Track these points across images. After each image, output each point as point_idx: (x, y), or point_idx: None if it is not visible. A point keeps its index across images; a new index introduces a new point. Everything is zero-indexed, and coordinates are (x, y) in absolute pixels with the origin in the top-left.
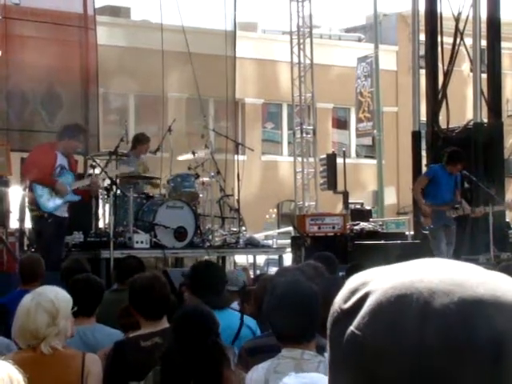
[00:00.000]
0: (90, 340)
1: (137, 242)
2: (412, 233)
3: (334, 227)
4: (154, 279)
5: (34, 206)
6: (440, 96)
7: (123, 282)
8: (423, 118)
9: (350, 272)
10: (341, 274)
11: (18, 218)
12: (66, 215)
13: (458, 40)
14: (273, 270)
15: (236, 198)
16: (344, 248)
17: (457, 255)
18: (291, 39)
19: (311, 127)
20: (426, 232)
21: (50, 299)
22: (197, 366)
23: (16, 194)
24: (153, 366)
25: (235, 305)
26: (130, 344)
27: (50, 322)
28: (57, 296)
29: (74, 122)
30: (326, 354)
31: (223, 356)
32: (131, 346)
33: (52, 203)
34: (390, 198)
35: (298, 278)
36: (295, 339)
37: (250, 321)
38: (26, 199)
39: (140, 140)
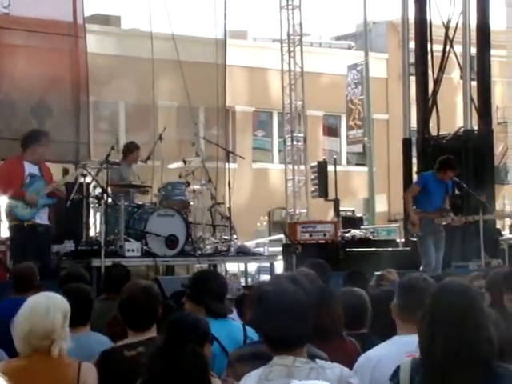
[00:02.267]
0: (85, 348)
1: (128, 251)
2: (403, 240)
3: (325, 235)
4: (142, 290)
5: (12, 217)
6: (430, 103)
7: (109, 291)
8: (414, 125)
9: (348, 279)
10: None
11: (8, 227)
12: (47, 223)
13: (448, 47)
14: (264, 278)
15: (227, 205)
16: (335, 255)
17: (448, 262)
18: (281, 47)
19: (302, 135)
20: (415, 239)
21: (63, 301)
22: (177, 374)
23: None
24: (135, 376)
25: (234, 314)
26: (114, 354)
27: (62, 323)
28: (64, 300)
29: (61, 129)
30: (318, 361)
31: (202, 365)
32: (115, 356)
33: (29, 211)
34: (380, 205)
35: (287, 286)
36: (286, 346)
37: (251, 332)
38: (3, 211)
39: (130, 149)
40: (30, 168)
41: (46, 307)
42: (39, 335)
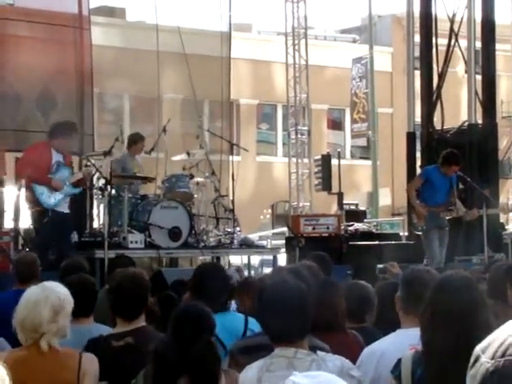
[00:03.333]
0: (87, 339)
1: (131, 242)
2: (406, 234)
3: (328, 228)
4: (130, 278)
5: (35, 203)
6: (434, 97)
7: None
8: (418, 119)
9: (358, 272)
10: (348, 272)
11: (13, 218)
12: (68, 211)
13: (453, 41)
14: (267, 271)
15: (231, 198)
16: (338, 248)
17: (451, 256)
18: (286, 40)
19: (306, 128)
20: (419, 233)
21: (57, 296)
22: (189, 363)
23: (10, 193)
24: (122, 366)
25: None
26: (101, 343)
27: (52, 318)
28: (64, 293)
29: (65, 120)
30: (319, 353)
31: (215, 354)
32: (102, 346)
33: (53, 199)
34: (384, 198)
35: (288, 278)
36: (287, 338)
37: (253, 324)
38: (25, 198)
39: (135, 140)
40: (56, 156)
41: (34, 301)
42: (28, 328)
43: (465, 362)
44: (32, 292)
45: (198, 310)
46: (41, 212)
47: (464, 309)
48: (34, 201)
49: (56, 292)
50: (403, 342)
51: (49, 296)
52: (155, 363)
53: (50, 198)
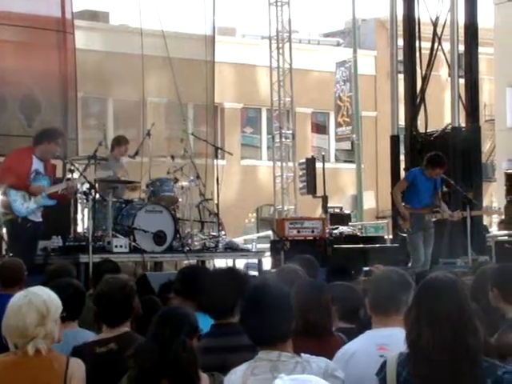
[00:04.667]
0: (71, 344)
1: (116, 247)
2: (391, 237)
3: (313, 231)
4: (117, 285)
5: (8, 210)
6: (418, 100)
7: None
8: (402, 122)
9: (332, 274)
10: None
11: None
12: (40, 220)
13: (436, 45)
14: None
15: (215, 202)
16: (323, 252)
17: (435, 258)
18: (270, 44)
19: (290, 132)
20: (404, 235)
21: (42, 299)
22: (166, 366)
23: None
24: (106, 372)
25: None
26: (85, 350)
27: (39, 321)
28: (50, 297)
29: (52, 125)
30: (303, 355)
31: (191, 357)
32: (86, 352)
33: (26, 207)
34: (369, 202)
35: (269, 281)
36: (269, 341)
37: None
38: (1, 204)
39: (118, 141)
40: (36, 164)
41: (18, 306)
42: (15, 333)
43: (451, 361)
44: (16, 297)
45: (177, 312)
46: (13, 220)
47: (450, 308)
48: (8, 207)
49: (39, 296)
50: (371, 343)
51: (32, 300)
52: (135, 367)
53: (23, 206)
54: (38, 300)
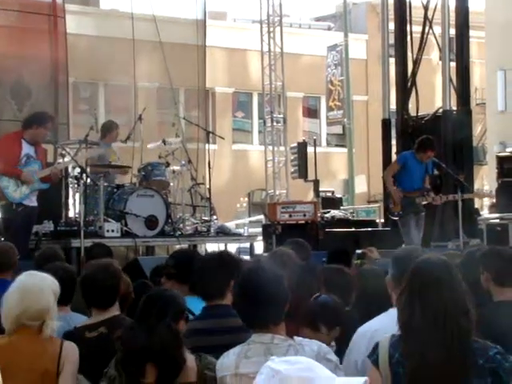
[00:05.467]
0: (65, 329)
1: (107, 231)
2: (382, 220)
3: (304, 215)
4: (101, 267)
5: (1, 195)
6: (409, 84)
7: None
8: (393, 106)
9: (332, 258)
10: (324, 259)
11: None
12: (35, 204)
13: (427, 29)
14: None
15: (207, 186)
16: (315, 235)
17: (426, 242)
18: (261, 28)
19: (281, 116)
20: (396, 218)
21: (54, 282)
22: (151, 348)
23: None
24: (96, 356)
25: None
26: (75, 335)
27: (54, 303)
28: (54, 280)
29: (43, 110)
30: (296, 338)
31: (175, 339)
32: (76, 337)
33: (19, 193)
34: (360, 186)
35: (262, 264)
36: (261, 324)
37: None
38: None
39: (109, 128)
40: (26, 148)
41: (40, 288)
42: (32, 315)
43: (442, 342)
44: (31, 280)
45: (163, 295)
46: (7, 205)
47: (441, 289)
48: (0, 193)
49: (50, 278)
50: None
51: (49, 283)
52: (122, 349)
53: (16, 192)
54: (52, 282)
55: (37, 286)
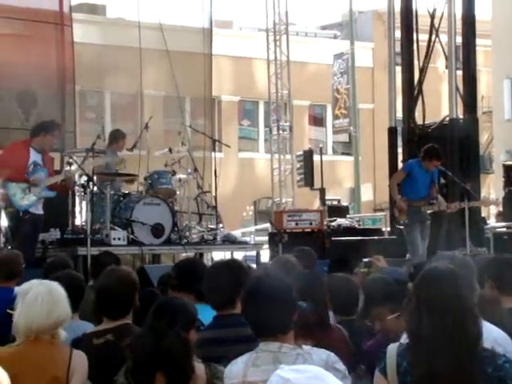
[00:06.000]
0: (73, 336)
1: (114, 239)
2: (388, 229)
3: (311, 223)
4: (117, 278)
5: (8, 203)
6: (416, 92)
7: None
8: (399, 114)
9: (333, 267)
10: (325, 268)
11: None
12: (41, 212)
13: (434, 37)
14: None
15: (213, 194)
16: (321, 244)
17: (433, 250)
18: (267, 36)
19: (288, 124)
20: (401, 227)
21: (64, 291)
22: (160, 357)
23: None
24: (104, 363)
25: None
26: (83, 341)
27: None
28: (63, 290)
29: (50, 118)
30: (304, 347)
31: (184, 348)
32: (84, 344)
33: (26, 201)
34: (366, 194)
35: (271, 272)
36: (270, 332)
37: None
38: (0, 197)
39: (116, 137)
40: (34, 156)
41: (62, 298)
42: (55, 326)
43: (451, 351)
44: (52, 291)
45: (174, 304)
46: (13, 212)
47: (449, 296)
48: (7, 200)
49: (61, 287)
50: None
51: (64, 292)
52: (131, 358)
53: (23, 200)
54: (63, 292)
55: (59, 296)
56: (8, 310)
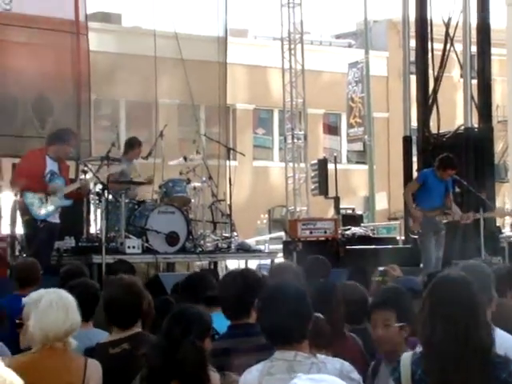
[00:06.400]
0: (87, 345)
1: (128, 247)
2: (403, 238)
3: (325, 232)
4: (124, 287)
5: (25, 211)
6: (430, 101)
7: None
8: (414, 123)
9: (353, 275)
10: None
11: (10, 223)
12: (58, 221)
13: (448, 46)
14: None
15: (228, 203)
16: (335, 252)
17: (448, 260)
18: (282, 45)
19: (302, 133)
20: (415, 236)
21: (73, 299)
22: (175, 366)
23: (7, 199)
24: (120, 372)
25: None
26: (98, 351)
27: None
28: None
29: (66, 126)
30: (319, 356)
31: (199, 357)
32: (99, 353)
33: (44, 210)
34: (381, 203)
35: (285, 280)
36: (285, 341)
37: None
38: (17, 205)
39: (132, 144)
40: (51, 165)
41: (73, 306)
42: (66, 331)
43: (463, 357)
44: (62, 296)
45: (189, 312)
46: (30, 221)
47: (462, 303)
48: (25, 209)
49: (72, 297)
50: None
51: (72, 298)
52: (147, 366)
53: (41, 209)
54: (73, 299)
55: (71, 303)
56: (17, 321)
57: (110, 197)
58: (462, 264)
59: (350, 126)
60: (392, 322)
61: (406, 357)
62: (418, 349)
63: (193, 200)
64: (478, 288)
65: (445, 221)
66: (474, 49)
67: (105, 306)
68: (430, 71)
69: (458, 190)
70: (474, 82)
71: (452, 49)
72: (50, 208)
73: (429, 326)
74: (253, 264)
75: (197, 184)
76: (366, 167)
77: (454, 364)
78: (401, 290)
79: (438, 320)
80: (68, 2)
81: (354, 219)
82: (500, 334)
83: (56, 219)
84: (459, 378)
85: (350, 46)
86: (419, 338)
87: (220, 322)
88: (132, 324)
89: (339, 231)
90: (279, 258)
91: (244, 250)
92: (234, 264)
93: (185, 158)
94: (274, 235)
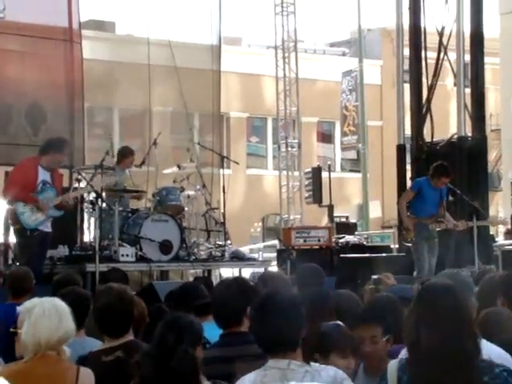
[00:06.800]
0: (79, 353)
1: (122, 256)
2: (397, 246)
3: (319, 240)
4: (115, 296)
5: (16, 220)
6: (424, 110)
7: None
8: (408, 131)
9: (340, 284)
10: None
11: (3, 232)
12: (49, 230)
13: (442, 54)
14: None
15: (221, 211)
16: (329, 261)
17: (441, 268)
18: (276, 53)
19: (296, 141)
20: (408, 245)
21: (67, 307)
22: (168, 374)
23: (0, 207)
24: (113, 380)
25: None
26: (91, 359)
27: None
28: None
29: (58, 135)
30: (312, 364)
31: (192, 366)
32: (92, 362)
33: (34, 220)
34: (374, 211)
35: (278, 289)
36: (279, 349)
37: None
38: (9, 215)
39: (124, 153)
40: (43, 174)
41: (68, 314)
42: (60, 339)
43: (448, 363)
44: (56, 304)
45: (181, 320)
46: (21, 229)
47: (448, 311)
48: (15, 218)
49: (65, 305)
50: None
51: (66, 307)
52: (139, 375)
53: (31, 218)
54: (66, 307)
55: (64, 311)
56: (11, 329)
57: (104, 205)
58: (442, 273)
59: (343, 134)
60: (379, 337)
61: (393, 364)
62: (404, 355)
63: (186, 208)
64: (463, 297)
65: (438, 229)
66: (467, 57)
67: (96, 315)
68: (424, 80)
69: (451, 198)
70: (468, 90)
71: (445, 57)
72: (41, 218)
73: (415, 333)
74: (246, 272)
75: (190, 192)
76: (359, 175)
77: (439, 369)
78: (388, 300)
79: (424, 326)
80: (61, 10)
81: (347, 227)
82: (486, 346)
83: (48, 228)
84: (444, 382)
85: (343, 54)
86: (405, 344)
87: (211, 332)
88: (124, 332)
89: (333, 239)
90: (273, 267)
91: (238, 259)
92: (228, 272)
93: (178, 167)
94: (267, 243)
